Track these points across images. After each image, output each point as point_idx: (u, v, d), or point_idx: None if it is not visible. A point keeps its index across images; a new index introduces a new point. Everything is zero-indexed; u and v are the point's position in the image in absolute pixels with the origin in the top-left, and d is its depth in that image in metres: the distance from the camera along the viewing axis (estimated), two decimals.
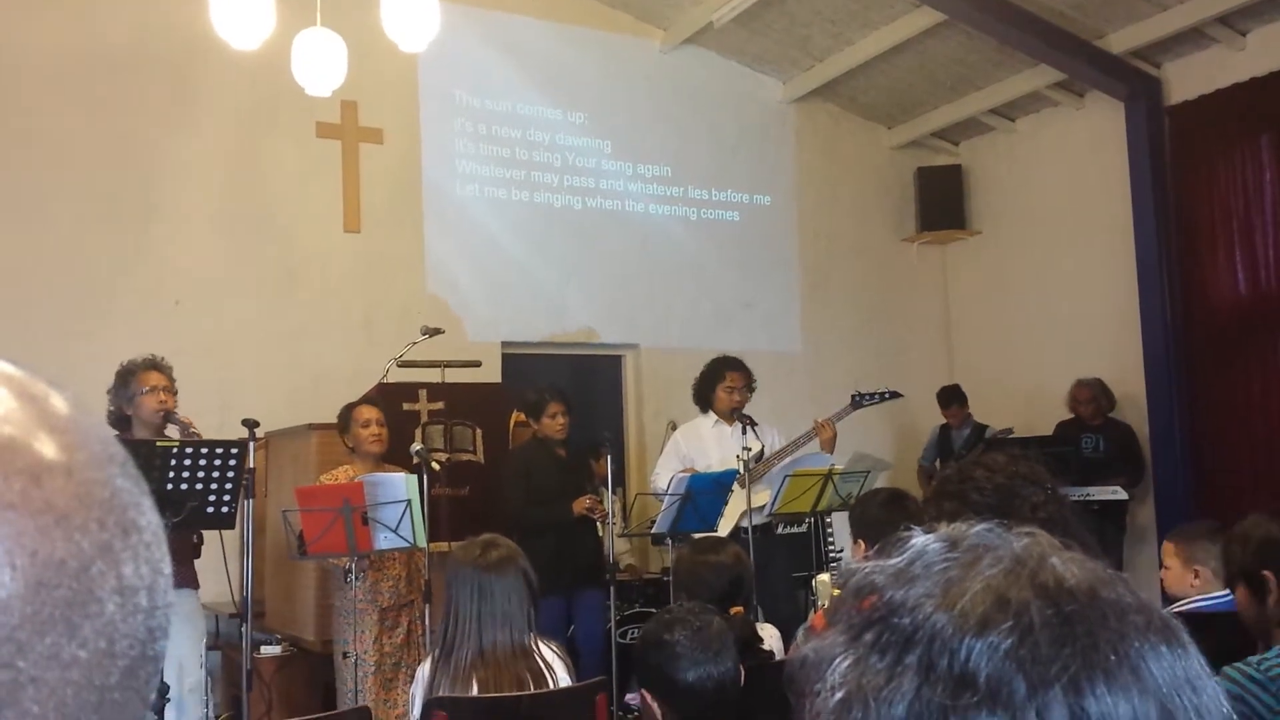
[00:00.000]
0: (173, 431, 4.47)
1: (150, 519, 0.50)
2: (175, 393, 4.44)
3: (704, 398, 5.78)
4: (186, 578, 4.35)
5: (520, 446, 5.73)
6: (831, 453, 5.62)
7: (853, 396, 5.88)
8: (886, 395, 5.90)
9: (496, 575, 2.87)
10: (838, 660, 0.58)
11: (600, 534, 5.56)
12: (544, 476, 5.40)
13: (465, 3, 7.11)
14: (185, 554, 4.37)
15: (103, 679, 0.46)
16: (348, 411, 4.92)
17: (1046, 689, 0.53)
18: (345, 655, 4.62)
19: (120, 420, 4.42)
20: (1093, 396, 7.53)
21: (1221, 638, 2.28)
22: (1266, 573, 2.11)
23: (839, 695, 0.57)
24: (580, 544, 5.45)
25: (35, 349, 5.85)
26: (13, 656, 0.43)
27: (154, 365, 4.43)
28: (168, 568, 0.51)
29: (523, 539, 5.29)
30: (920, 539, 0.62)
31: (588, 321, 7.85)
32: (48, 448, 0.47)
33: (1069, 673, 0.53)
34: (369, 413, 4.86)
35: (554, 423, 5.46)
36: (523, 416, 5.90)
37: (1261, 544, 2.14)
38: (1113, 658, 0.54)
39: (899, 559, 0.61)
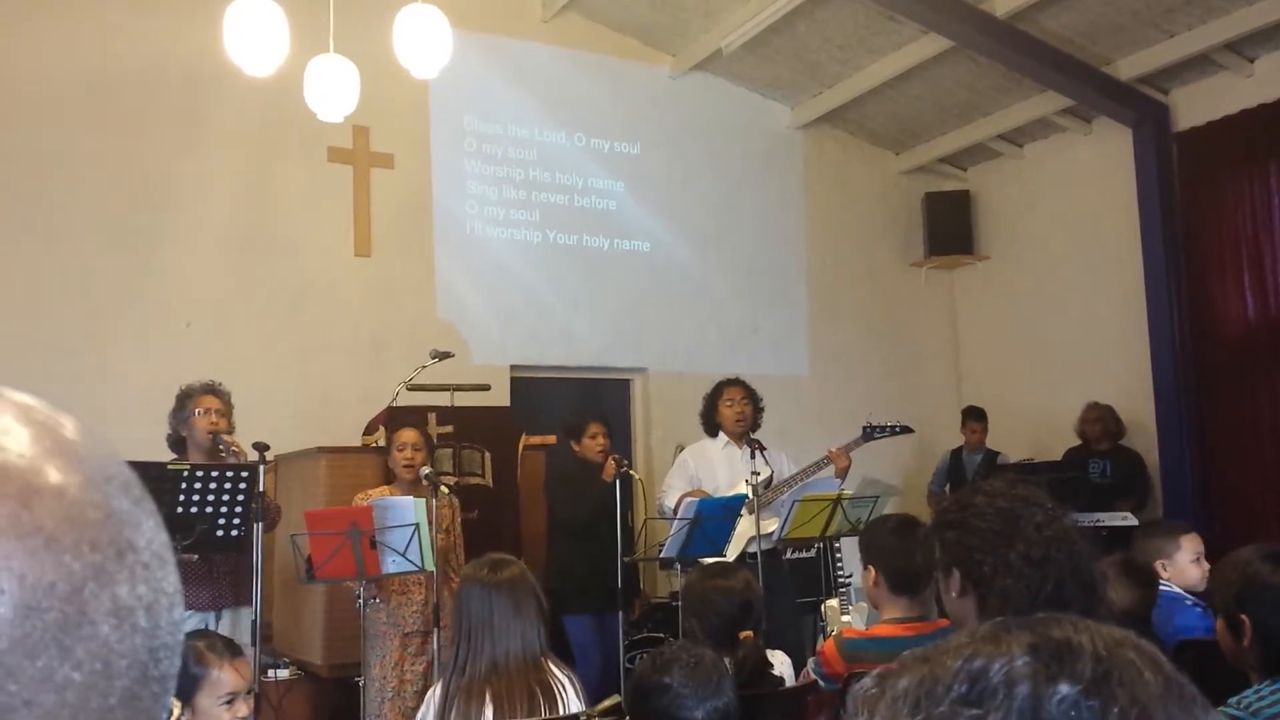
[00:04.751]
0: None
1: (150, 539, 0.50)
2: (228, 416, 4.54)
3: (710, 421, 5.79)
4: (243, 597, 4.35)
5: (550, 460, 5.77)
6: (843, 479, 5.58)
7: (864, 428, 5.80)
8: (898, 429, 5.80)
9: (507, 590, 2.89)
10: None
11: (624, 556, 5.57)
12: (582, 483, 5.46)
13: (477, 30, 7.16)
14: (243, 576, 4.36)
15: (100, 700, 0.46)
16: (391, 433, 4.93)
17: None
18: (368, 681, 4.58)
19: (177, 442, 4.52)
20: (1100, 418, 7.51)
21: (1213, 665, 2.32)
22: (1243, 616, 2.14)
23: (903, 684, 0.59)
24: (611, 565, 5.45)
25: (46, 370, 5.89)
26: (3, 680, 0.43)
27: (210, 389, 4.57)
28: (170, 586, 0.51)
29: (561, 555, 5.33)
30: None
31: (596, 345, 7.86)
32: (42, 472, 0.47)
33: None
34: (407, 435, 4.81)
35: (594, 443, 5.55)
36: (531, 440, 5.91)
37: (1243, 585, 2.17)
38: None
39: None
